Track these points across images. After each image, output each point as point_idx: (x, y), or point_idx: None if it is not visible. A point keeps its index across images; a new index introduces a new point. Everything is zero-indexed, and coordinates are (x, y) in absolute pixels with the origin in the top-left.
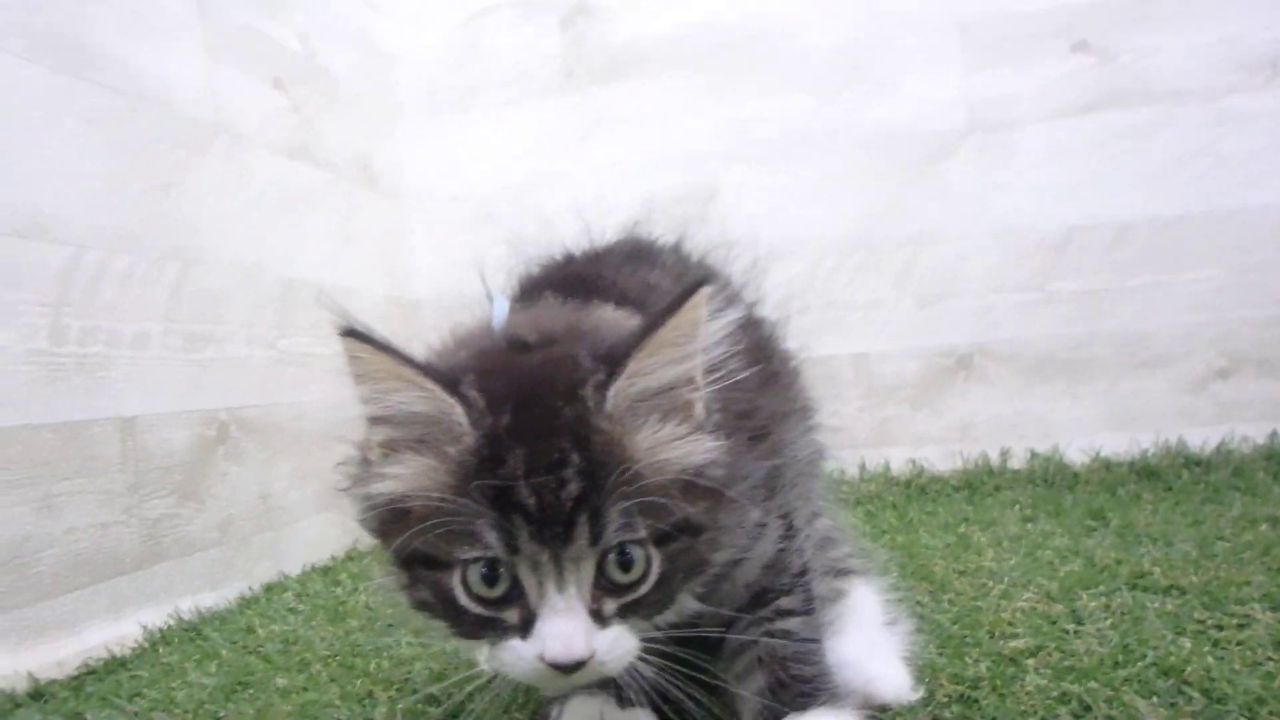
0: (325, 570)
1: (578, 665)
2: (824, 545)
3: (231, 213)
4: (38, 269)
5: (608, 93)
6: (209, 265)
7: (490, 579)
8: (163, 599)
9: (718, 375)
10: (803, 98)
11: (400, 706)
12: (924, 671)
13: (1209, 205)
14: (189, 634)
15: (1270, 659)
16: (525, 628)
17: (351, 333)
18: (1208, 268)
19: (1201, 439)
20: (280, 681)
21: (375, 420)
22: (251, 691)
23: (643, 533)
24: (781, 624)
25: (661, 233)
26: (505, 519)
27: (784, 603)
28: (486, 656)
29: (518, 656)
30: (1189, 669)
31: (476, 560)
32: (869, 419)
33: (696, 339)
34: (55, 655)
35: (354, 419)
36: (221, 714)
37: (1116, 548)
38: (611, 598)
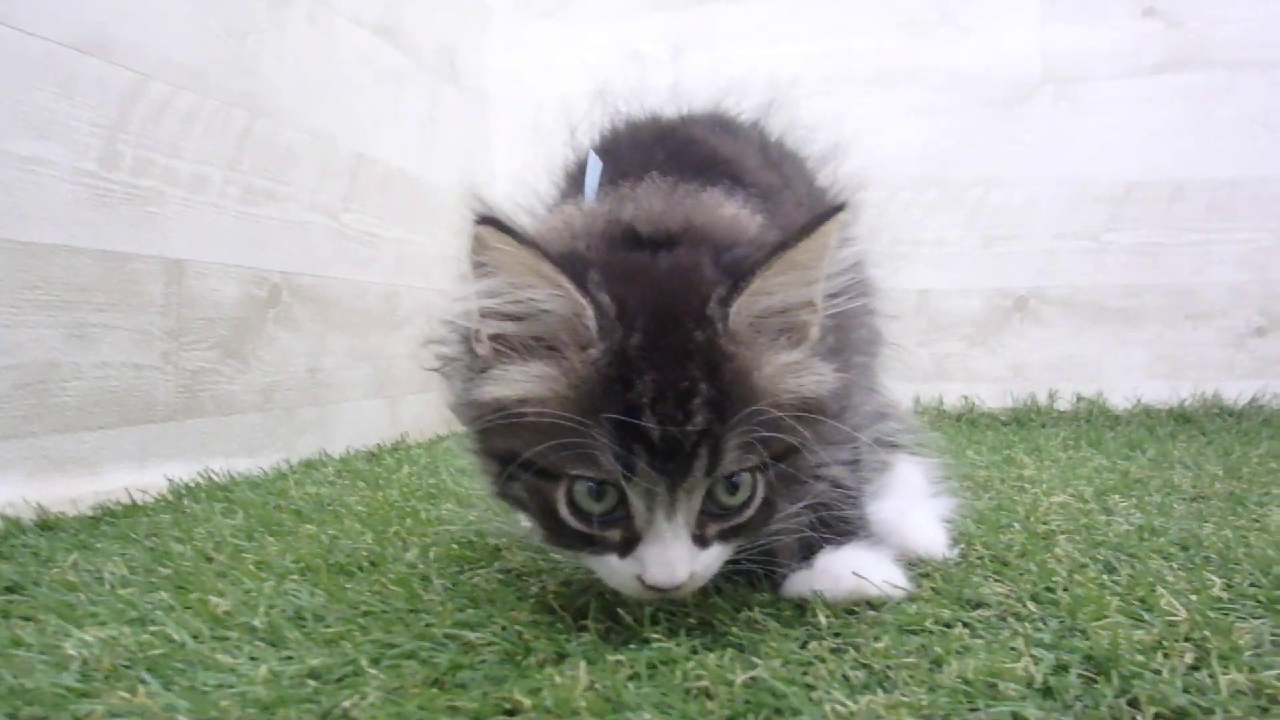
0: (370, 455)
1: (676, 588)
2: (876, 418)
3: (309, 75)
4: (96, 88)
5: (700, 11)
6: (279, 121)
7: (598, 496)
8: (194, 455)
9: (836, 302)
10: (891, 35)
11: (435, 550)
12: (961, 539)
13: (1261, 171)
14: (218, 491)
15: None
16: (626, 547)
17: (491, 220)
18: (1255, 230)
19: (1237, 392)
20: (309, 528)
21: (496, 314)
22: (279, 535)
23: (757, 460)
24: (828, 471)
25: (746, 110)
26: (626, 445)
27: (833, 453)
28: (574, 558)
29: (612, 571)
30: (1209, 542)
31: (586, 479)
32: (928, 354)
33: (823, 264)
34: (70, 491)
35: (456, 310)
36: (245, 548)
37: (1150, 468)
38: (715, 522)
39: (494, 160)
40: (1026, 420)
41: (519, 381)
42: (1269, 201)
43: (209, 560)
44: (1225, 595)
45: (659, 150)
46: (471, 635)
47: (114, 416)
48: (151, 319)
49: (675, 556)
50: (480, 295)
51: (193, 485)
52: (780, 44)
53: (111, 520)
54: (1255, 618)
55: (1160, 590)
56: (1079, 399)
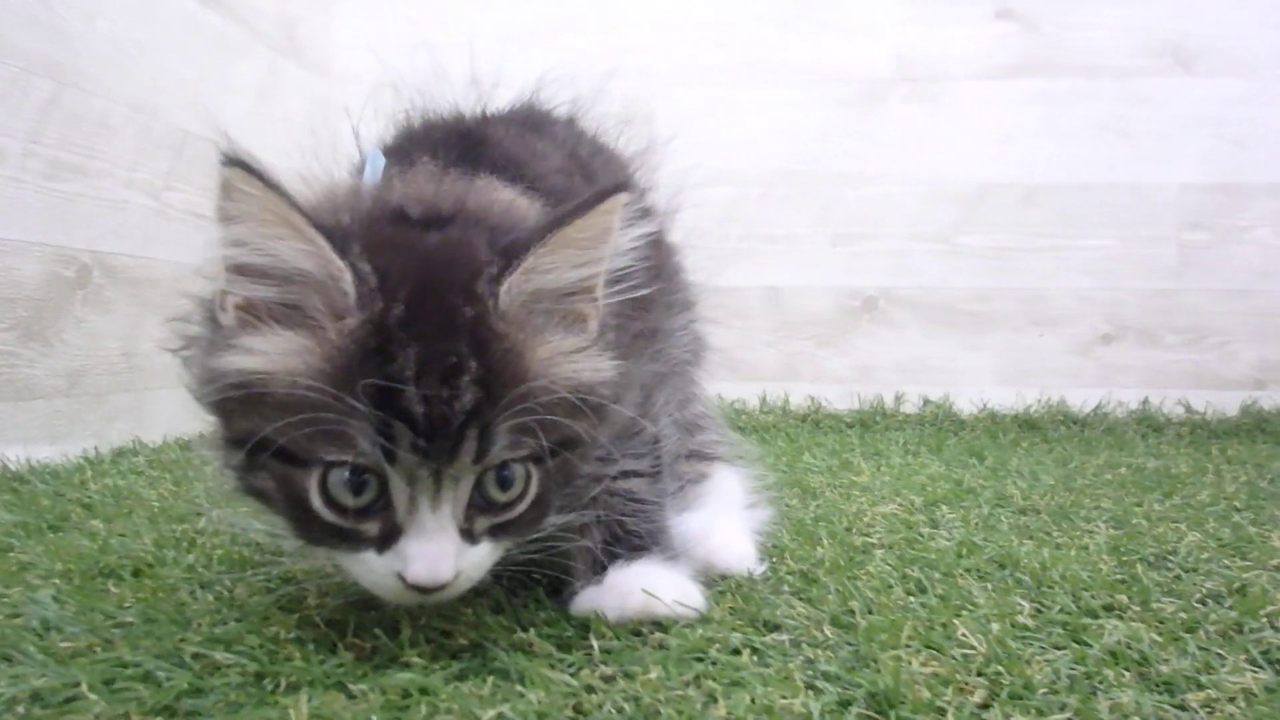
0: (187, 444)
1: (441, 588)
2: (691, 429)
3: (125, 45)
4: None
5: (553, 3)
6: (91, 93)
7: (355, 486)
8: None
9: (619, 289)
10: (748, 27)
11: (219, 552)
12: (772, 553)
13: (1112, 178)
14: (9, 481)
15: (1103, 560)
16: (385, 542)
17: (237, 162)
18: (1105, 237)
19: (1082, 399)
20: (95, 525)
21: (241, 271)
22: (60, 533)
23: (528, 450)
24: (624, 484)
25: (559, 105)
26: (386, 424)
27: (630, 464)
28: (325, 557)
29: (369, 570)
30: (1025, 562)
31: (342, 464)
32: (776, 353)
33: (604, 246)
34: None
35: (205, 267)
36: (15, 547)
37: (985, 477)
38: (485, 516)
39: (339, 139)
40: (871, 423)
41: (267, 352)
42: (1119, 209)
43: None
44: (1032, 623)
45: (450, 150)
46: (219, 655)
47: None
48: None
49: (440, 551)
50: (226, 246)
51: None
52: (635, 31)
53: None
54: (1057, 648)
55: (965, 614)
56: (926, 402)
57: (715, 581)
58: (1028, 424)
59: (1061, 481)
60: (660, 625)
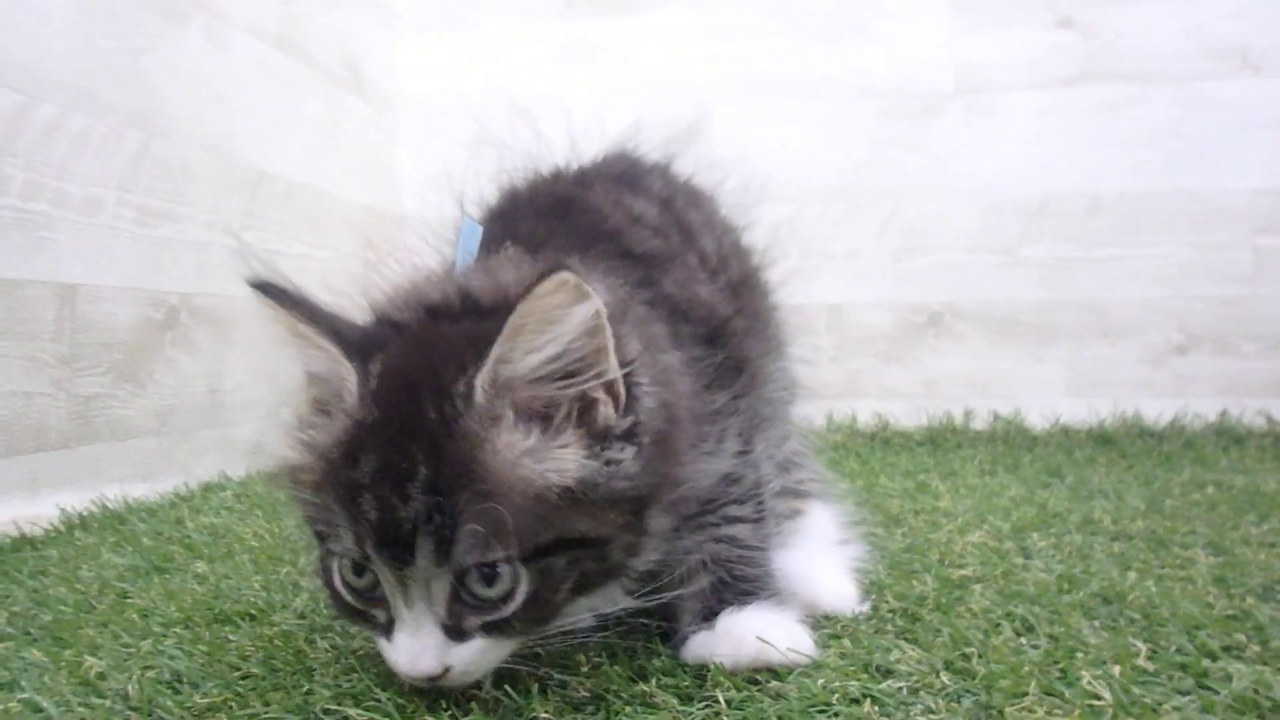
0: (272, 476)
1: (431, 679)
2: (787, 467)
3: (206, 92)
4: None
5: (606, 20)
6: (175, 140)
7: (358, 573)
8: (86, 483)
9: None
10: (802, 44)
11: (324, 596)
12: (871, 589)
13: (1175, 184)
14: (111, 521)
15: (1210, 592)
16: (388, 630)
17: (260, 285)
18: (1171, 244)
19: (1157, 412)
20: (200, 567)
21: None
22: (167, 575)
23: (503, 552)
24: (729, 530)
25: (650, 151)
26: (355, 527)
27: (733, 510)
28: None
29: (385, 655)
30: (1131, 596)
31: (341, 554)
32: (839, 370)
33: (557, 327)
34: None
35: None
36: (129, 592)
37: (1069, 499)
38: (474, 614)
39: (401, 171)
40: (942, 440)
41: (298, 444)
42: (1184, 215)
43: (91, 609)
44: (1151, 666)
45: (553, 220)
46: (351, 710)
47: (2, 447)
48: (42, 346)
49: (421, 647)
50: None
51: (85, 514)
52: (688, 52)
53: None
54: (1182, 693)
55: (1079, 656)
56: (996, 418)
57: (820, 622)
58: (1102, 438)
59: (1149, 503)
60: (775, 673)
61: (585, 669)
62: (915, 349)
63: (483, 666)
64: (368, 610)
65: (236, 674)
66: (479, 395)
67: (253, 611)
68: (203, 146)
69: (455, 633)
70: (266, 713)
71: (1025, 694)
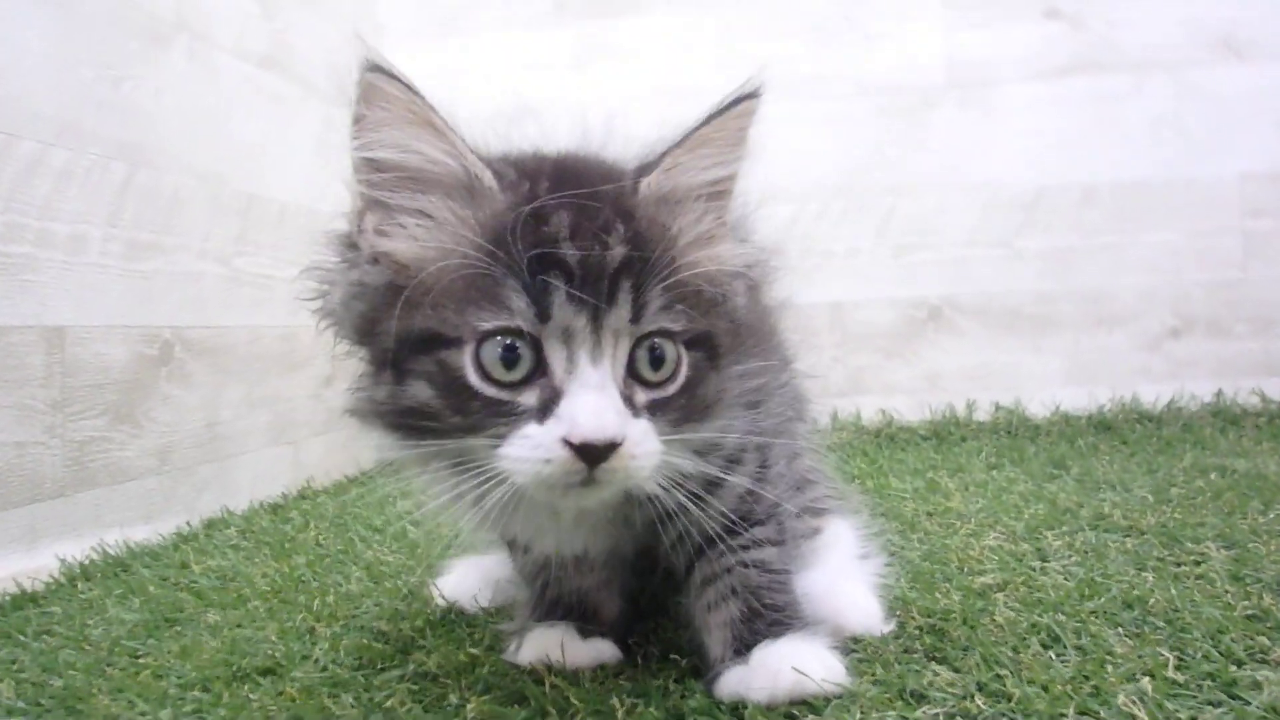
0: (274, 508)
1: (609, 447)
2: (801, 485)
3: (192, 117)
4: None
5: (598, 26)
6: (162, 170)
7: (509, 360)
8: (86, 530)
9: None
10: (797, 42)
11: (345, 642)
12: (895, 605)
13: (1169, 173)
14: (114, 568)
15: (1228, 591)
16: (545, 410)
17: (379, 68)
18: (1165, 232)
19: (1154, 395)
20: (212, 617)
21: (381, 175)
22: (179, 628)
23: (678, 325)
24: (756, 554)
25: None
26: (540, 281)
27: (758, 533)
28: (488, 458)
29: (533, 446)
30: (1152, 600)
31: (496, 334)
32: (842, 368)
33: (738, 148)
34: None
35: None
36: (141, 651)
37: (1077, 492)
38: (643, 389)
39: None
40: (946, 434)
41: (411, 243)
42: (1178, 203)
43: (103, 673)
44: (1180, 677)
45: None
46: None
47: None
48: (32, 392)
49: (604, 404)
50: (370, 149)
51: (87, 563)
52: (684, 54)
53: (0, 615)
54: (1213, 705)
55: (1109, 669)
56: (998, 408)
57: (849, 646)
58: (1102, 425)
59: (1155, 494)
60: (811, 706)
61: (621, 712)
62: (916, 344)
63: (644, 453)
64: (514, 399)
65: None
66: (648, 190)
67: (269, 666)
68: (191, 173)
69: (629, 403)
70: None
71: (1063, 715)
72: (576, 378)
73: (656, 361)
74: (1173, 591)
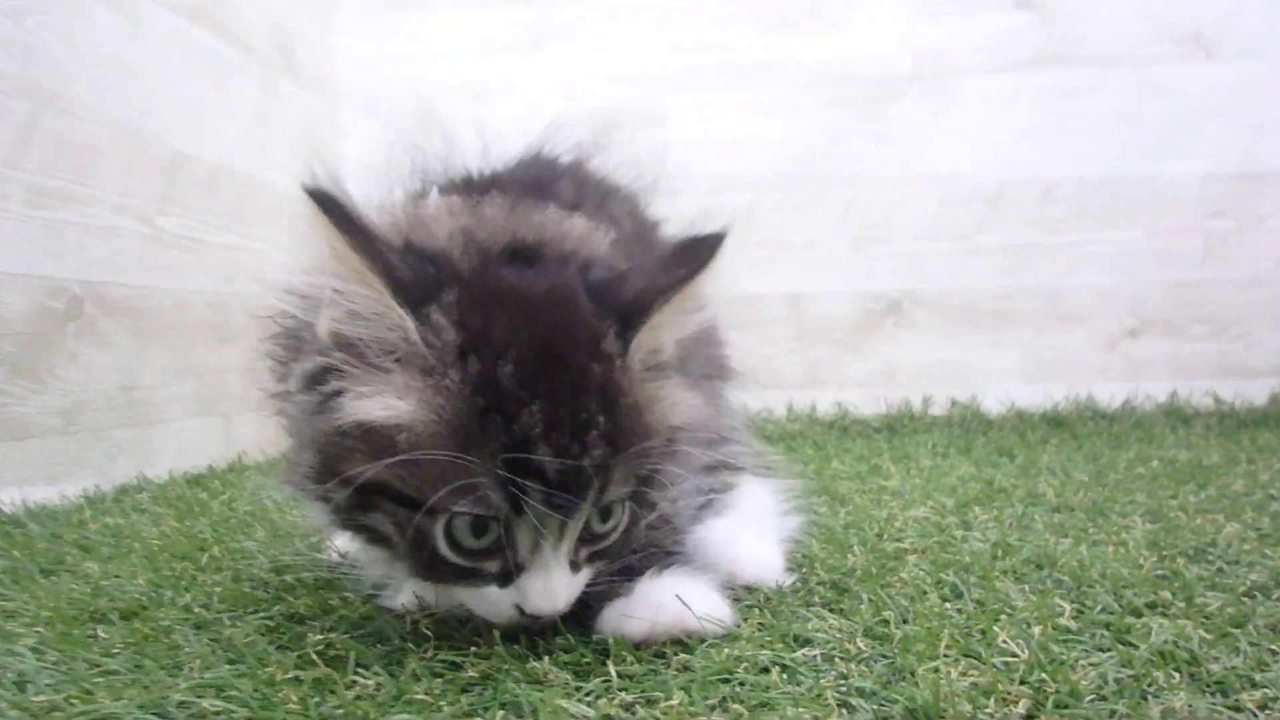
0: (196, 478)
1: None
2: (718, 442)
3: (110, 63)
4: None
5: (557, 5)
6: (74, 116)
7: (479, 531)
8: None
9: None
10: (757, 29)
11: (219, 590)
12: (804, 563)
13: (1129, 170)
14: (4, 525)
15: (1142, 554)
16: (505, 578)
17: (318, 195)
18: (1126, 230)
19: (1110, 394)
20: (90, 567)
21: (335, 305)
22: (54, 578)
23: (629, 488)
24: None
25: (566, 150)
26: (516, 481)
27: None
28: (436, 591)
29: (490, 602)
30: (1063, 560)
31: (468, 514)
32: (799, 360)
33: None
34: None
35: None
36: (5, 595)
37: (1017, 476)
38: (587, 546)
39: (344, 158)
40: (899, 427)
41: (392, 402)
42: (1139, 202)
43: None
44: (1074, 625)
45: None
46: (206, 702)
47: None
48: None
49: (557, 585)
50: (310, 275)
51: None
52: (642, 37)
53: None
54: (1102, 650)
55: (1004, 619)
56: (953, 403)
57: (743, 595)
58: (1056, 421)
59: (1094, 477)
60: (684, 645)
61: (479, 648)
62: (874, 338)
63: (576, 596)
64: (477, 566)
65: (94, 671)
66: (633, 357)
67: (132, 609)
68: (108, 124)
69: (574, 567)
70: (112, 708)
71: (940, 656)
72: (538, 559)
73: (606, 515)
74: (1085, 554)
